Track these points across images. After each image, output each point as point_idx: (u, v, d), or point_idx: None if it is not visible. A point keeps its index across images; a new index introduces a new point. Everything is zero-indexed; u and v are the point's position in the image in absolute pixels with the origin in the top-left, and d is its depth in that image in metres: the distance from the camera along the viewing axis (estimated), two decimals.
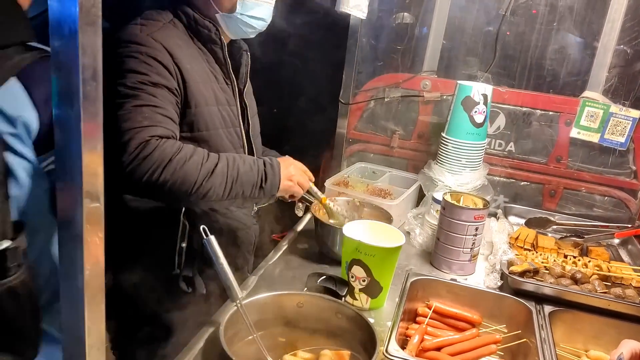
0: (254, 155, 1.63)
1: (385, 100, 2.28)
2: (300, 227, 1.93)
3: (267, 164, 1.48)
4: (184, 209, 1.51)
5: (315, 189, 1.67)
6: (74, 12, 0.63)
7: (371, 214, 1.77)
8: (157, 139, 1.30)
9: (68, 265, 0.73)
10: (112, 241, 1.57)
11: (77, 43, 0.64)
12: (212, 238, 1.14)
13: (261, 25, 1.57)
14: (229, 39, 1.60)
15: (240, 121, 1.60)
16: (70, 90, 0.66)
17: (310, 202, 1.72)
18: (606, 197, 2.13)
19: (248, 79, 1.69)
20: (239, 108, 1.61)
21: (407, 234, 1.86)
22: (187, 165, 1.32)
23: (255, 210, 1.74)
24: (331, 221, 1.70)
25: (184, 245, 1.52)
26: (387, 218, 1.70)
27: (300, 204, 1.74)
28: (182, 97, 1.42)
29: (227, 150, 1.53)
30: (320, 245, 1.70)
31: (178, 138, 1.40)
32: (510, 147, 2.18)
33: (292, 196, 1.63)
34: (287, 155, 1.63)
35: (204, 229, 1.16)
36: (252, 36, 1.61)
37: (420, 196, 2.05)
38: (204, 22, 1.48)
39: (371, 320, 1.25)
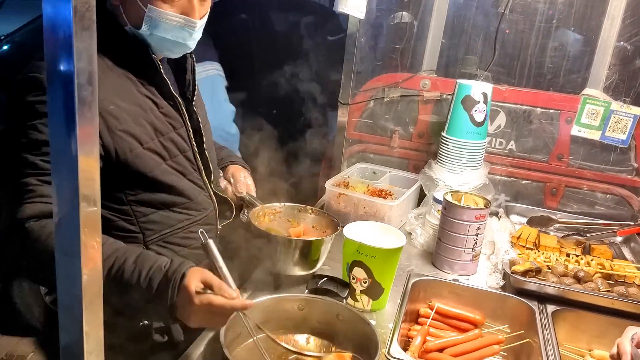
0: (210, 172, 1.48)
1: (385, 100, 2.27)
2: None
3: (161, 292, 1.09)
4: (144, 243, 1.35)
5: (250, 199, 1.59)
6: (68, 16, 0.62)
7: (318, 218, 1.61)
8: (36, 220, 1.14)
9: (65, 270, 0.73)
10: None
11: (72, 48, 0.63)
12: (211, 242, 1.12)
13: (179, 51, 1.35)
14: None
15: (192, 142, 1.41)
16: (66, 95, 0.65)
17: (256, 206, 1.58)
18: (608, 195, 2.12)
19: (197, 85, 1.49)
20: (190, 126, 1.41)
21: (409, 234, 1.85)
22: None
23: (218, 229, 1.54)
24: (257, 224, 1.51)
25: None
26: (334, 223, 1.55)
27: (246, 210, 1.61)
28: (104, 149, 1.23)
29: (178, 182, 1.37)
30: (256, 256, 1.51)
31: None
32: (511, 145, 2.17)
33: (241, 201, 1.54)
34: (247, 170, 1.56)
35: (201, 232, 1.14)
36: (176, 57, 1.39)
37: (421, 196, 2.04)
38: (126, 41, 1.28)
39: (373, 322, 1.25)
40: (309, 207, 1.64)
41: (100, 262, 0.75)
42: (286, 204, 1.64)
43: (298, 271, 1.48)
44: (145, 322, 1.34)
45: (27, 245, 1.14)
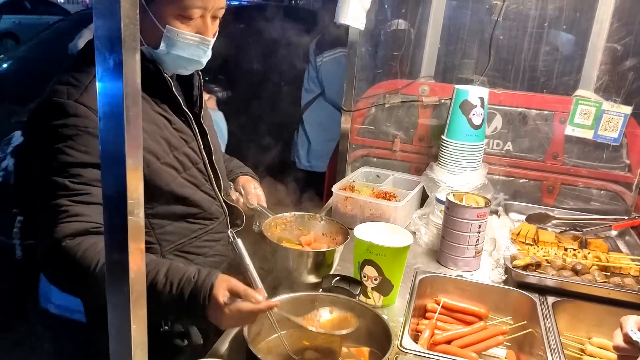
0: (220, 182, 1.54)
1: (386, 106, 2.36)
2: None
3: (192, 295, 1.17)
4: (160, 252, 1.41)
5: (265, 210, 1.65)
6: (117, 45, 0.70)
7: (327, 226, 1.67)
8: (72, 239, 1.18)
9: (115, 272, 0.81)
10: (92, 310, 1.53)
11: (121, 74, 0.71)
12: (239, 241, 1.22)
13: (193, 67, 1.42)
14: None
15: (203, 154, 1.48)
16: (116, 116, 0.73)
17: (268, 217, 1.64)
18: (602, 191, 2.21)
19: (203, 99, 1.56)
20: (200, 140, 1.48)
21: (413, 233, 1.93)
22: (97, 273, 1.18)
23: (231, 235, 1.53)
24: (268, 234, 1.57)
25: None
26: (343, 230, 1.62)
27: (257, 221, 1.66)
28: None
29: (192, 194, 1.43)
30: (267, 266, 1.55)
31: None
32: (508, 146, 2.26)
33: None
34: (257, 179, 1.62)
35: (230, 231, 1.24)
36: (188, 73, 1.46)
37: (424, 197, 2.12)
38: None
39: (384, 317, 1.33)
40: (318, 215, 1.70)
41: (143, 265, 0.83)
42: (296, 213, 1.70)
43: (313, 279, 1.53)
44: (166, 327, 1.41)
45: (65, 264, 1.19)
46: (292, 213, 1.69)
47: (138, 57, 0.73)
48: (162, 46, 1.32)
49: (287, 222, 1.67)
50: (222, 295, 1.15)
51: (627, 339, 1.04)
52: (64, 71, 1.31)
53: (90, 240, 1.19)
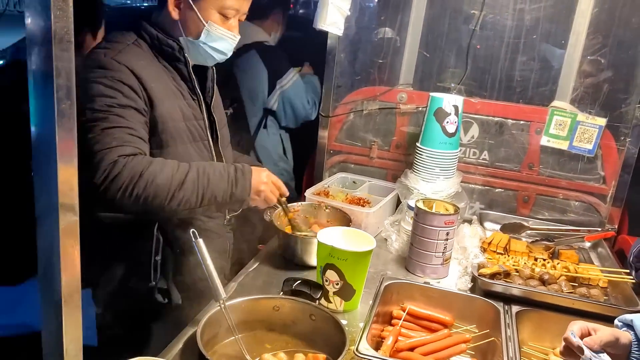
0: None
1: (364, 112, 2.36)
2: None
3: (238, 170, 1.54)
4: (157, 223, 1.57)
5: (285, 204, 1.75)
6: (48, 38, 0.70)
7: (332, 214, 1.91)
8: (125, 158, 1.36)
9: (46, 273, 0.80)
10: (90, 256, 1.64)
11: (52, 65, 0.71)
12: (201, 241, 1.25)
13: (220, 58, 1.63)
14: None
15: (209, 134, 1.66)
16: (46, 109, 0.72)
17: (285, 209, 1.80)
18: (577, 202, 2.21)
19: (215, 92, 1.75)
20: (207, 121, 1.66)
21: (384, 240, 1.93)
22: (158, 178, 1.39)
23: (227, 219, 1.78)
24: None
25: (158, 258, 1.58)
26: (346, 219, 1.83)
27: (268, 211, 1.80)
28: (149, 115, 1.48)
29: None
30: (284, 252, 1.78)
31: (149, 155, 1.46)
32: (485, 155, 2.26)
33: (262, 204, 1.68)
34: (264, 167, 1.70)
35: (193, 232, 1.26)
36: (210, 65, 1.68)
37: (398, 204, 2.12)
38: (167, 41, 1.54)
39: (344, 322, 1.32)
40: (323, 204, 1.93)
41: (78, 266, 0.82)
42: (303, 203, 1.94)
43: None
44: (153, 282, 1.59)
45: (128, 174, 1.35)
46: (300, 203, 1.94)
47: (71, 49, 0.73)
48: (202, 37, 1.55)
49: (295, 211, 1.88)
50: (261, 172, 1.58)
51: (568, 342, 1.05)
52: (97, 44, 1.57)
53: (146, 158, 1.41)
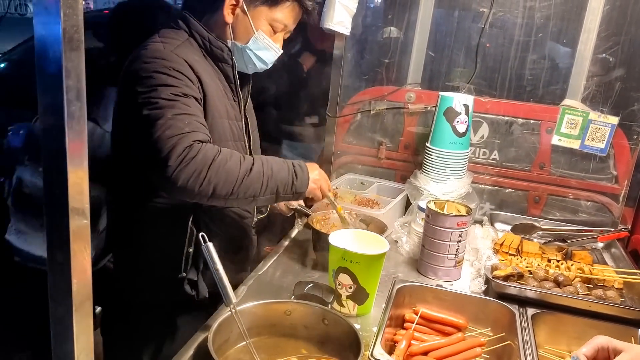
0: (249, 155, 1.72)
1: (372, 112, 2.33)
2: (289, 238, 1.97)
3: (296, 164, 1.55)
4: (192, 216, 1.59)
5: (332, 198, 1.75)
6: (57, 38, 0.67)
7: (365, 222, 1.87)
8: (199, 143, 1.37)
9: (56, 278, 0.77)
10: (127, 242, 1.68)
11: (61, 66, 0.68)
12: (210, 245, 1.21)
13: (261, 67, 1.69)
14: None
15: (244, 135, 1.70)
16: (56, 110, 0.70)
17: (308, 215, 1.85)
18: (589, 202, 2.18)
19: (249, 96, 1.80)
20: (244, 123, 1.71)
21: (395, 242, 1.90)
22: (228, 165, 1.40)
23: (255, 221, 1.81)
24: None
25: (190, 250, 1.61)
26: (381, 228, 1.79)
27: (299, 219, 1.84)
28: (203, 107, 1.51)
29: None
30: (318, 255, 1.77)
31: None
32: (495, 155, 2.23)
33: (311, 199, 1.70)
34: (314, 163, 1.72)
35: (202, 236, 1.23)
36: (249, 73, 1.72)
37: (408, 205, 2.09)
38: (218, 43, 1.58)
39: (358, 326, 1.29)
40: (353, 211, 1.88)
41: (89, 271, 0.80)
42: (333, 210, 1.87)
43: None
44: (184, 274, 1.62)
45: (202, 158, 1.35)
46: (332, 211, 1.86)
47: (81, 49, 0.70)
48: (250, 44, 1.61)
49: (325, 219, 1.88)
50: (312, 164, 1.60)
51: None
52: (151, 38, 1.53)
53: (215, 146, 1.41)
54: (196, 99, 1.46)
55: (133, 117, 1.41)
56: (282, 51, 1.67)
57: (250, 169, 1.43)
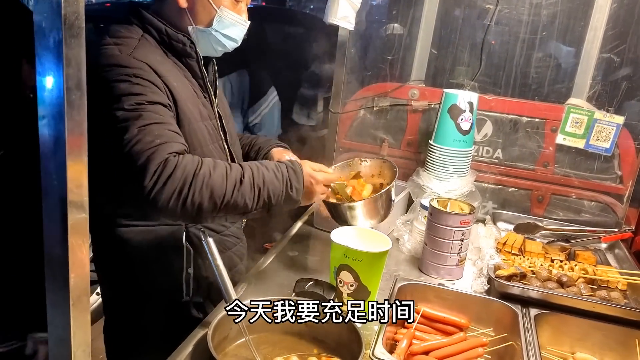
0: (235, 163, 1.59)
1: (375, 109, 2.31)
2: (290, 235, 1.95)
3: (289, 168, 1.39)
4: (184, 233, 1.46)
5: (341, 188, 1.63)
6: (58, 24, 0.65)
7: (372, 166, 1.74)
8: (175, 156, 1.22)
9: (54, 271, 0.75)
10: (118, 276, 1.55)
11: (61, 54, 0.66)
12: (211, 240, 1.19)
13: (231, 46, 1.52)
14: None
15: (220, 132, 1.54)
16: (55, 99, 0.68)
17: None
18: (593, 202, 2.16)
19: (218, 86, 1.63)
20: (218, 119, 1.55)
21: (397, 240, 1.89)
22: (212, 178, 1.24)
23: (243, 224, 1.73)
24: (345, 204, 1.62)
25: (190, 271, 1.49)
26: (392, 169, 1.68)
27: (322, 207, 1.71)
28: (175, 114, 1.36)
29: None
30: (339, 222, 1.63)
31: None
32: (498, 153, 2.21)
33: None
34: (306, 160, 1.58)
35: (202, 231, 1.20)
36: (219, 55, 1.56)
37: (410, 203, 2.07)
38: (177, 36, 1.43)
39: (357, 325, 1.27)
40: (356, 158, 1.75)
41: (87, 264, 0.78)
42: (335, 165, 1.73)
43: (376, 224, 1.61)
44: (187, 297, 1.51)
45: (181, 174, 1.21)
46: (333, 166, 1.71)
47: (82, 36, 0.68)
48: (215, 24, 1.45)
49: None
50: (308, 166, 1.43)
51: None
52: (102, 41, 1.37)
53: (195, 156, 1.27)
54: (164, 105, 1.30)
55: (99, 136, 1.24)
56: (249, 22, 1.51)
57: (240, 181, 1.28)
